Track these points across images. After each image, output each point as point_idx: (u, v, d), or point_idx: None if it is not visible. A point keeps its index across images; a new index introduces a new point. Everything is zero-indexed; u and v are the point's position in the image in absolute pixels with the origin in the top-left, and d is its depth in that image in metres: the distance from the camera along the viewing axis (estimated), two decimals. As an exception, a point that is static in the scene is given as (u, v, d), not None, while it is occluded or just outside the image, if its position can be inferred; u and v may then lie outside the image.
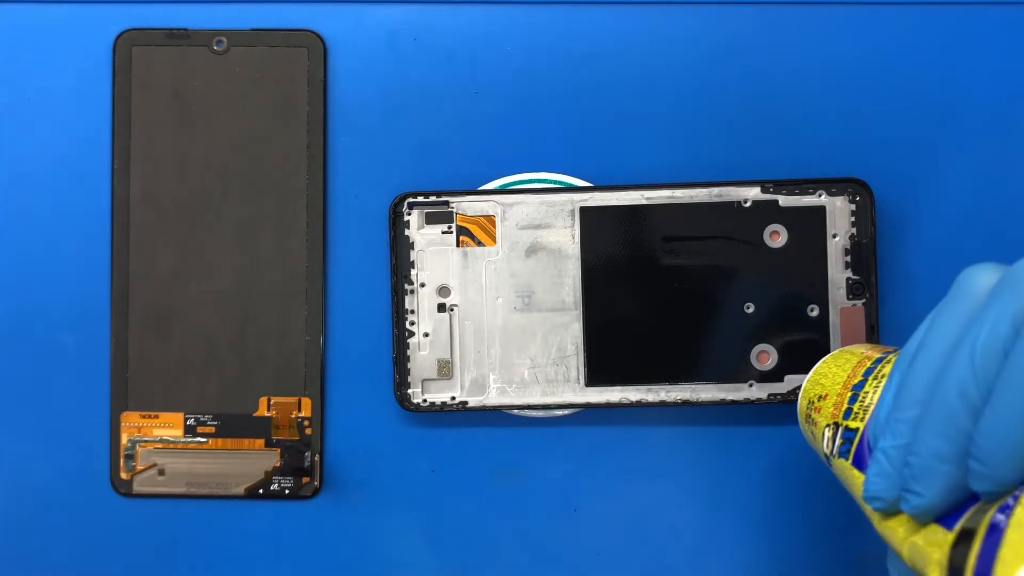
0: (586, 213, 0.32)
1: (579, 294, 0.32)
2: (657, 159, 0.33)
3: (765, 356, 0.31)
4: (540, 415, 0.33)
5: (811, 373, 0.27)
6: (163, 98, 0.32)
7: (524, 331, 0.32)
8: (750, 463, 0.33)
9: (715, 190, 0.31)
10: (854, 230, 0.31)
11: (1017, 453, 0.15)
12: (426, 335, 0.32)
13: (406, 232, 0.32)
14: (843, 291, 0.31)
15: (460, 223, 0.32)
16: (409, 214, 0.32)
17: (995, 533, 0.15)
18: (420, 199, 0.32)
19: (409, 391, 0.32)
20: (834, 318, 0.31)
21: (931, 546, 0.17)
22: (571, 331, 0.32)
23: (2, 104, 0.33)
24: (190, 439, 0.33)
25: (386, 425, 0.33)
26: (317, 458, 0.33)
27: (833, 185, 0.31)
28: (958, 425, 0.16)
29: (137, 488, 0.33)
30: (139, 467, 0.33)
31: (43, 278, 0.33)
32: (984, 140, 0.32)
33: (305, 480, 0.33)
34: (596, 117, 0.33)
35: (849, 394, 0.23)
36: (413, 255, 0.32)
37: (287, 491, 0.33)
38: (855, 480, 0.22)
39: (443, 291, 0.32)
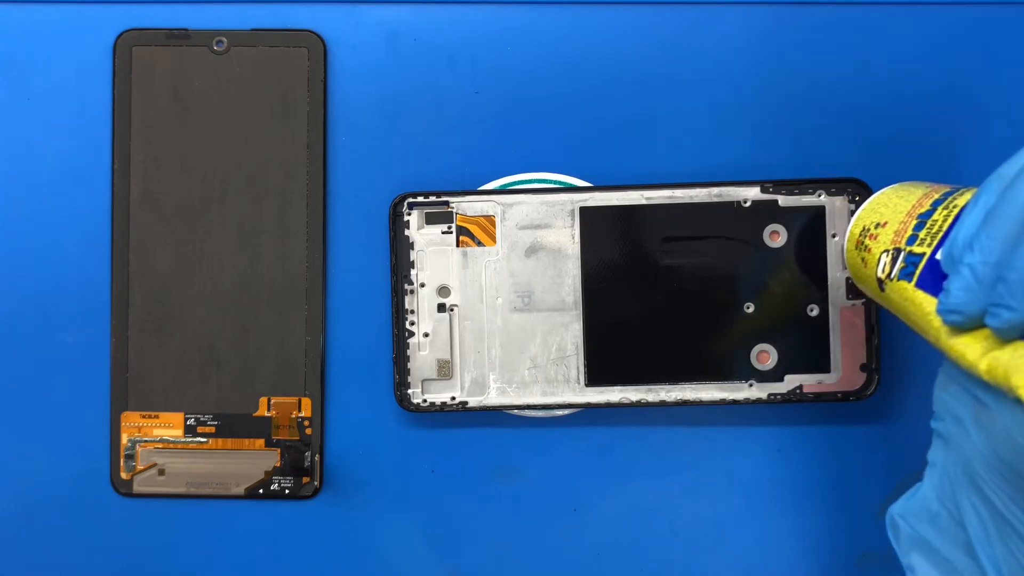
0: (586, 213, 0.32)
1: (579, 294, 0.32)
2: (657, 159, 0.33)
3: (765, 356, 0.31)
4: (540, 415, 0.33)
5: (867, 202, 0.27)
6: (163, 98, 0.32)
7: (524, 331, 0.32)
8: (750, 463, 0.33)
9: (715, 190, 0.31)
10: (854, 230, 0.31)
11: None
12: (426, 335, 0.32)
13: (406, 232, 0.32)
14: (843, 291, 0.31)
15: (460, 223, 0.32)
16: (409, 214, 0.32)
17: None
18: (420, 199, 0.32)
19: (409, 391, 0.32)
20: (834, 318, 0.31)
21: (1022, 358, 0.17)
22: (571, 331, 0.32)
23: (2, 104, 0.33)
24: (190, 439, 0.33)
25: (386, 425, 0.33)
26: (317, 458, 0.33)
27: (833, 185, 0.31)
28: None
29: (137, 488, 0.33)
30: (139, 467, 0.33)
31: (43, 278, 0.33)
32: (984, 140, 0.32)
33: (305, 480, 0.33)
34: (596, 117, 0.33)
35: (914, 222, 0.24)
36: (413, 255, 0.32)
37: (287, 491, 0.33)
38: (919, 300, 0.22)
39: (443, 291, 0.32)
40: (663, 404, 0.32)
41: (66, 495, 0.33)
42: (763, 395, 0.31)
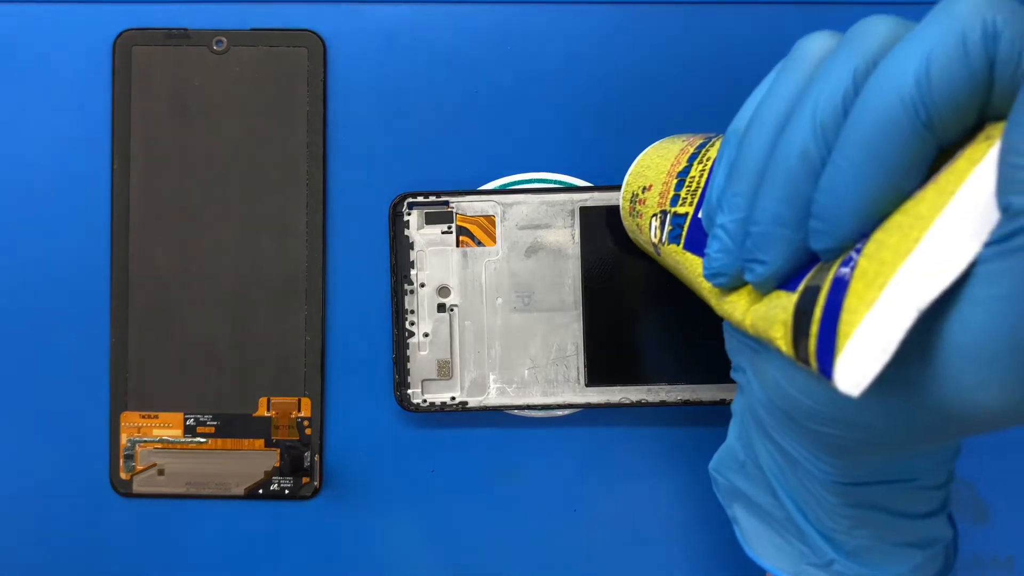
0: (586, 213, 0.32)
1: (579, 294, 0.32)
2: (657, 159, 0.33)
3: (765, 356, 0.31)
4: (540, 415, 0.33)
5: (632, 167, 0.27)
6: (163, 98, 0.32)
7: (524, 331, 0.32)
8: (750, 463, 0.33)
9: (715, 190, 0.31)
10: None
11: (856, 207, 0.15)
12: (426, 335, 0.32)
13: (406, 232, 0.32)
14: (843, 291, 0.31)
15: (460, 223, 0.32)
16: (409, 214, 0.32)
17: (840, 285, 0.15)
18: (420, 199, 0.32)
19: (409, 391, 0.32)
20: (834, 318, 0.31)
21: (775, 309, 0.17)
22: (571, 331, 0.32)
23: (2, 104, 0.33)
24: (190, 439, 0.33)
25: (386, 425, 0.33)
26: (317, 458, 0.33)
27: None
28: (798, 187, 0.16)
29: (137, 488, 0.33)
30: (139, 467, 0.33)
31: (43, 278, 0.33)
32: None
33: (305, 480, 0.33)
34: (596, 117, 0.33)
35: (675, 181, 0.23)
36: (413, 255, 0.32)
37: (287, 491, 0.33)
38: (689, 263, 0.22)
39: (443, 291, 0.32)
40: (663, 404, 0.32)
41: (65, 495, 0.33)
42: (763, 395, 0.31)
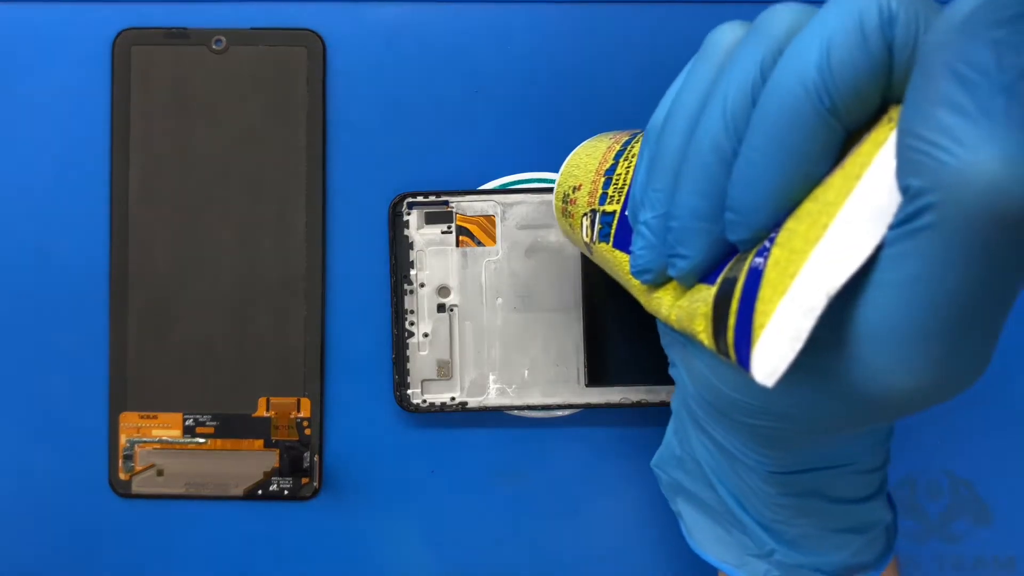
0: (586, 213, 0.32)
1: (579, 294, 0.32)
2: (657, 159, 0.33)
3: (765, 356, 0.31)
4: (540, 415, 0.33)
5: (563, 167, 0.27)
6: (162, 97, 0.32)
7: (524, 331, 0.32)
8: (750, 463, 0.33)
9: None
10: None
11: (767, 196, 0.15)
12: (426, 335, 0.32)
13: (405, 232, 0.32)
14: (843, 291, 0.31)
15: (460, 223, 0.32)
16: (409, 214, 0.32)
17: (755, 275, 0.15)
18: (420, 199, 0.32)
19: (409, 391, 0.32)
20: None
21: (697, 303, 0.17)
22: (571, 331, 0.32)
23: (2, 104, 0.33)
24: (189, 439, 0.33)
25: (386, 425, 0.33)
26: (316, 459, 0.32)
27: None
28: (713, 180, 0.16)
29: (136, 489, 0.32)
30: (138, 468, 0.33)
31: (42, 278, 0.33)
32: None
33: (304, 481, 0.32)
34: (596, 117, 0.33)
35: (602, 179, 0.23)
36: (413, 255, 0.32)
37: (286, 492, 0.32)
38: (619, 261, 0.22)
39: (443, 291, 0.32)
40: (663, 404, 0.32)
41: (64, 496, 0.33)
42: (763, 395, 0.31)
